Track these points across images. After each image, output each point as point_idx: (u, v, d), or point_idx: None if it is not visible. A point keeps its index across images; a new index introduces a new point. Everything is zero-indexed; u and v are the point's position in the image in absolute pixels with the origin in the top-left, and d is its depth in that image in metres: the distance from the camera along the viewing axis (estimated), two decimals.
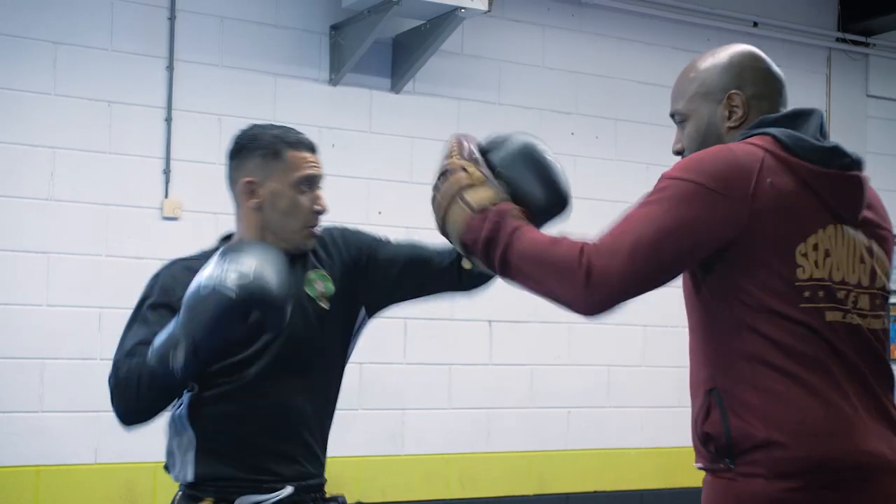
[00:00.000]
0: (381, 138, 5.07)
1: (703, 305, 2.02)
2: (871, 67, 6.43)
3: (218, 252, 2.15)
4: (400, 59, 5.08)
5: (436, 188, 2.13)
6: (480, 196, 2.06)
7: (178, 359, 2.10)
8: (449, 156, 2.16)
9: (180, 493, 2.30)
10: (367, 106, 5.06)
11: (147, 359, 2.13)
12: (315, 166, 2.33)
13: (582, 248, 1.94)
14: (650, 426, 5.67)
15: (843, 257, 1.96)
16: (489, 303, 5.29)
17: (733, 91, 2.09)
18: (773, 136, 1.98)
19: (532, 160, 2.23)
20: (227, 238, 2.41)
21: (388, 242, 2.47)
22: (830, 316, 1.92)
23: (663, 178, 2.02)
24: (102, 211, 4.59)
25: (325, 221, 2.42)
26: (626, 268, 1.91)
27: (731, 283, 1.93)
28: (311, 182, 2.32)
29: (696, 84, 2.13)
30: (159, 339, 2.14)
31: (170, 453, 2.33)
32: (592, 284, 1.90)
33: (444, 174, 2.13)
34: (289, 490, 2.26)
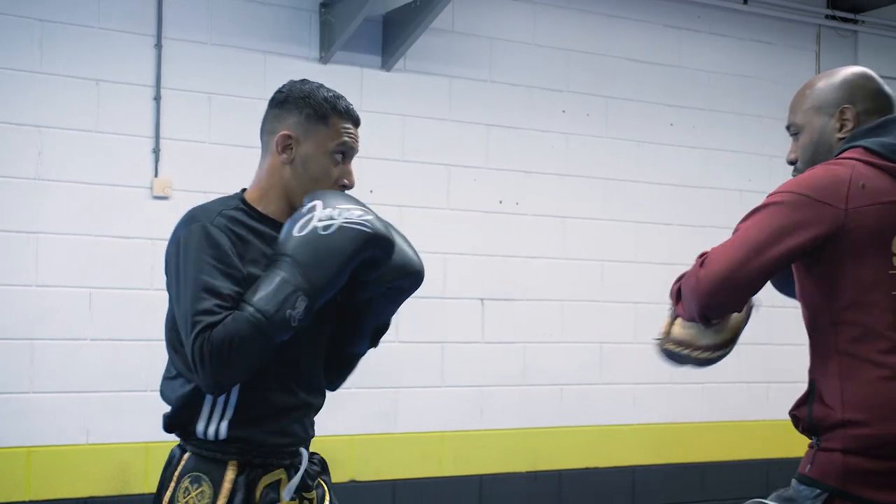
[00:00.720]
0: (372, 116, 5.05)
1: (806, 304, 2.29)
2: (860, 45, 6.42)
3: (308, 197, 2.17)
4: (391, 36, 5.05)
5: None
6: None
7: (300, 308, 2.09)
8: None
9: (188, 452, 2.22)
10: (357, 84, 5.03)
11: (248, 315, 2.06)
12: (355, 140, 2.31)
13: (702, 256, 2.23)
14: (642, 403, 5.68)
15: None
16: (481, 281, 5.30)
17: (845, 105, 2.32)
18: (863, 147, 2.24)
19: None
20: (243, 190, 2.36)
21: None
22: None
23: (771, 195, 2.25)
24: (91, 190, 4.56)
25: None
26: (727, 269, 2.15)
27: (827, 282, 2.21)
28: (348, 154, 2.30)
29: (811, 99, 2.36)
30: (264, 291, 2.08)
31: (184, 406, 2.23)
32: (700, 283, 2.17)
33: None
34: (305, 456, 2.29)
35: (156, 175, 4.66)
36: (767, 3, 6.01)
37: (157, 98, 4.66)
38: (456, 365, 5.23)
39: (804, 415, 2.26)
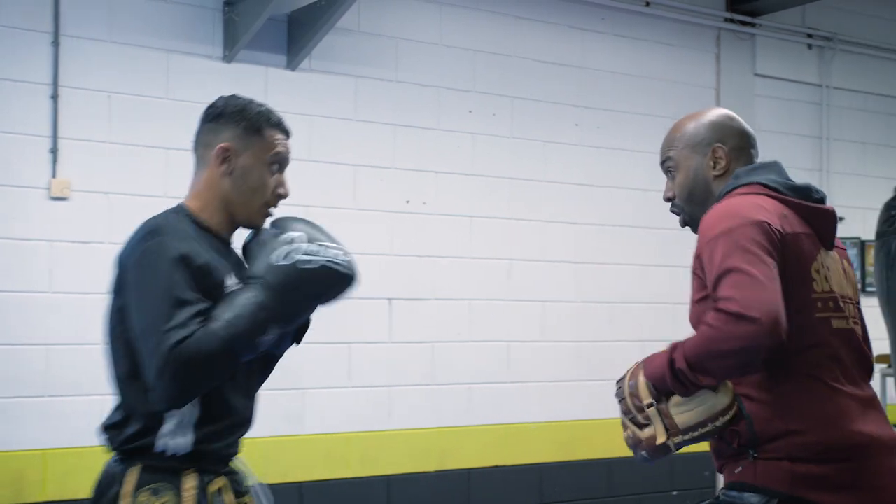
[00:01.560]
0: None
1: None
2: (758, 47, 6.57)
3: (280, 222, 2.27)
4: (296, 35, 5.01)
5: (620, 396, 2.49)
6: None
7: (271, 336, 2.16)
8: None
9: (137, 466, 2.19)
10: (262, 83, 4.98)
11: (221, 332, 2.09)
12: (289, 150, 2.40)
13: (725, 310, 2.17)
14: (549, 401, 5.73)
15: (834, 274, 2.39)
16: (389, 281, 5.29)
17: (717, 144, 2.49)
18: (761, 184, 2.39)
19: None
20: (181, 204, 2.38)
21: None
22: (837, 324, 2.36)
23: (716, 237, 2.27)
24: None
25: None
26: (768, 295, 2.16)
27: None
28: (282, 164, 2.38)
29: (685, 138, 2.52)
30: (236, 312, 2.12)
31: (148, 424, 2.20)
32: (753, 317, 2.13)
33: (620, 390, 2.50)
34: (243, 462, 2.37)
35: (54, 176, 4.55)
36: (669, 5, 6.12)
37: (55, 97, 4.55)
38: (364, 365, 5.21)
39: (745, 430, 2.32)
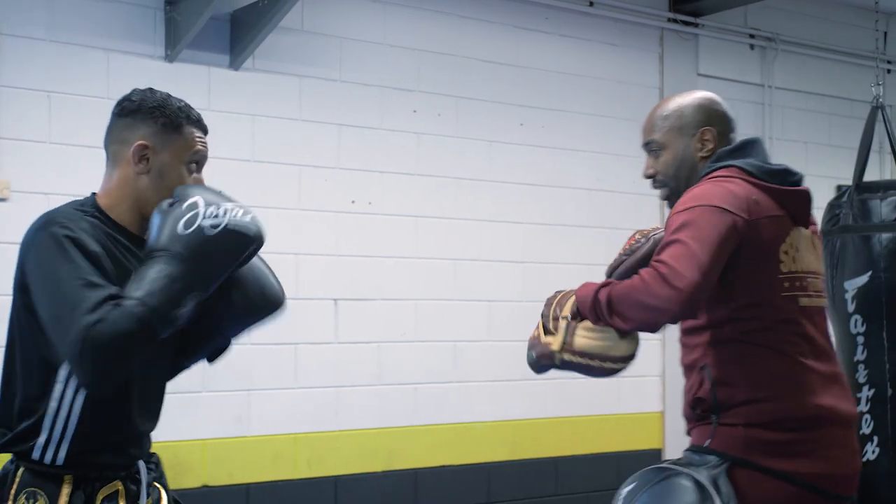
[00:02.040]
0: (220, 116, 4.95)
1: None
2: (700, 47, 6.63)
3: (179, 190, 2.17)
4: (238, 35, 4.97)
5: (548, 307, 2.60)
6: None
7: (188, 306, 2.07)
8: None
9: (22, 468, 2.17)
10: (205, 83, 4.94)
11: (134, 310, 2.00)
12: (206, 148, 2.34)
13: (655, 271, 2.36)
14: (496, 400, 5.74)
15: (804, 252, 2.52)
16: (334, 281, 5.27)
17: (706, 127, 2.61)
18: (738, 167, 2.52)
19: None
20: (93, 196, 2.33)
21: None
22: (803, 301, 2.50)
23: (680, 212, 2.44)
24: None
25: None
26: (701, 270, 2.32)
27: (728, 280, 2.42)
28: (201, 163, 2.33)
29: (672, 120, 2.63)
30: (149, 285, 2.03)
31: (22, 430, 2.18)
32: (680, 289, 2.30)
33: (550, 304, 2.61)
34: (144, 470, 2.29)
35: None
36: (612, 5, 6.15)
37: None
38: (310, 365, 5.19)
39: (709, 397, 2.47)
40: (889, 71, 7.28)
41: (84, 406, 2.16)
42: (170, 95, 2.33)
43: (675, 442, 6.29)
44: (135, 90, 2.34)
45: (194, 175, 2.30)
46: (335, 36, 5.33)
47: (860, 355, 4.23)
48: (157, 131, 2.26)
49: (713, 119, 2.63)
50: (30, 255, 2.18)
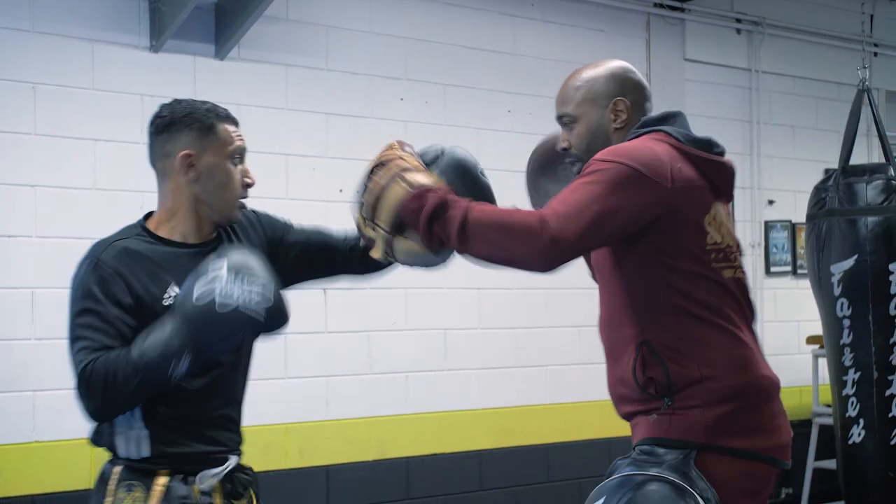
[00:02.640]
0: None
1: (627, 273, 2.41)
2: (687, 32, 6.63)
3: (221, 262, 2.26)
4: (223, 24, 4.95)
5: (368, 177, 2.43)
6: (421, 179, 2.35)
7: (182, 367, 2.22)
8: (386, 150, 2.44)
9: (121, 466, 2.32)
10: (190, 73, 4.92)
11: (135, 358, 2.20)
12: (243, 139, 2.45)
13: (540, 215, 2.26)
14: (487, 388, 5.75)
15: (726, 225, 2.45)
16: None
17: (618, 98, 2.50)
18: (666, 132, 2.43)
19: (468, 179, 2.54)
20: (149, 214, 2.46)
21: (294, 227, 2.68)
22: (727, 273, 2.42)
23: (597, 161, 2.34)
24: None
25: None
26: (580, 232, 2.25)
27: (656, 251, 2.36)
28: (242, 155, 2.45)
29: (583, 91, 2.52)
30: (152, 341, 2.21)
31: (104, 429, 2.36)
32: (552, 244, 2.23)
33: (380, 164, 2.40)
34: (234, 461, 2.41)
35: None
36: None
37: None
38: (300, 355, 5.18)
39: (661, 375, 2.36)
40: (876, 54, 7.29)
41: (148, 401, 2.31)
42: (194, 100, 2.44)
43: None
44: (162, 106, 2.43)
45: (240, 167, 2.42)
46: (321, 24, 5.31)
47: (846, 338, 4.25)
48: (195, 137, 2.37)
49: (626, 89, 2.51)
50: (71, 279, 2.34)
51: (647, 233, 2.35)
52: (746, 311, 2.46)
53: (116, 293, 2.27)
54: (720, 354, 2.36)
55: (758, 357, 2.44)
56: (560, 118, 2.57)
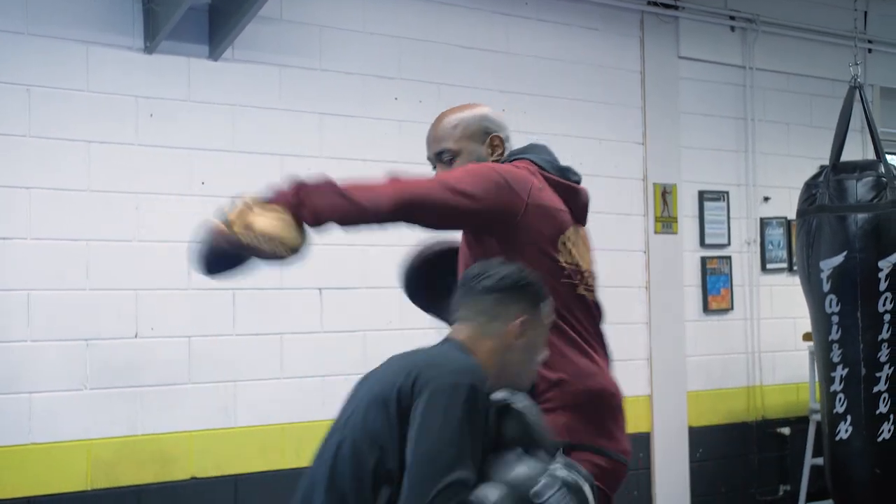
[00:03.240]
0: (200, 107, 4.94)
1: None
2: (681, 30, 6.64)
3: (559, 479, 2.29)
4: (217, 25, 4.95)
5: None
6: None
7: None
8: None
9: None
10: (185, 74, 4.92)
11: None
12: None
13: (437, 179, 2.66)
14: None
15: (581, 248, 2.72)
16: (319, 270, 5.26)
17: (495, 133, 2.83)
18: (530, 160, 2.73)
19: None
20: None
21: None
22: (580, 290, 2.68)
23: (471, 164, 2.70)
24: None
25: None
26: (447, 202, 2.55)
27: (514, 257, 2.58)
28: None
29: (461, 129, 2.82)
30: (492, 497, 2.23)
31: None
32: (423, 200, 2.57)
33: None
34: None
35: None
36: None
37: None
38: (296, 355, 5.19)
39: None
40: (870, 50, 7.30)
41: None
42: (523, 268, 2.54)
43: (664, 425, 6.32)
44: (485, 266, 2.54)
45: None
46: (315, 24, 5.32)
47: (834, 335, 4.25)
48: (529, 307, 2.50)
49: (497, 127, 2.84)
50: (434, 385, 2.41)
51: (503, 246, 2.61)
52: (596, 329, 2.73)
53: (480, 436, 2.37)
54: (572, 362, 2.62)
55: (604, 368, 2.70)
56: (439, 154, 2.84)
